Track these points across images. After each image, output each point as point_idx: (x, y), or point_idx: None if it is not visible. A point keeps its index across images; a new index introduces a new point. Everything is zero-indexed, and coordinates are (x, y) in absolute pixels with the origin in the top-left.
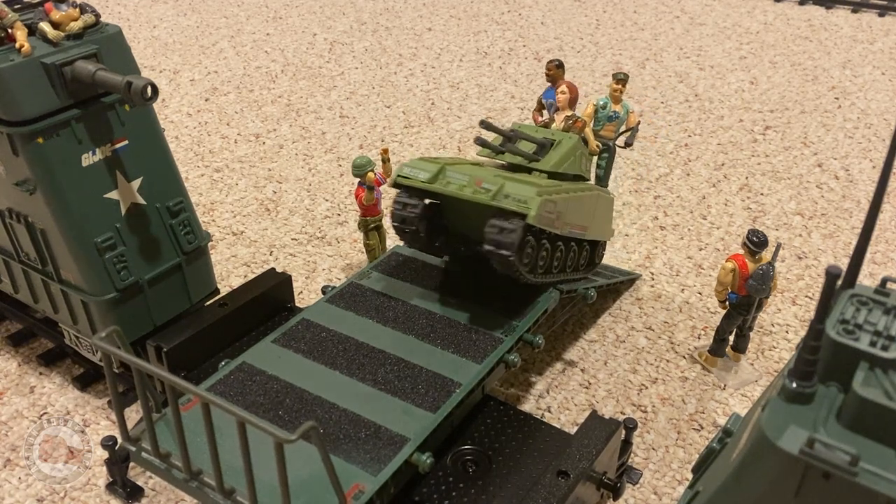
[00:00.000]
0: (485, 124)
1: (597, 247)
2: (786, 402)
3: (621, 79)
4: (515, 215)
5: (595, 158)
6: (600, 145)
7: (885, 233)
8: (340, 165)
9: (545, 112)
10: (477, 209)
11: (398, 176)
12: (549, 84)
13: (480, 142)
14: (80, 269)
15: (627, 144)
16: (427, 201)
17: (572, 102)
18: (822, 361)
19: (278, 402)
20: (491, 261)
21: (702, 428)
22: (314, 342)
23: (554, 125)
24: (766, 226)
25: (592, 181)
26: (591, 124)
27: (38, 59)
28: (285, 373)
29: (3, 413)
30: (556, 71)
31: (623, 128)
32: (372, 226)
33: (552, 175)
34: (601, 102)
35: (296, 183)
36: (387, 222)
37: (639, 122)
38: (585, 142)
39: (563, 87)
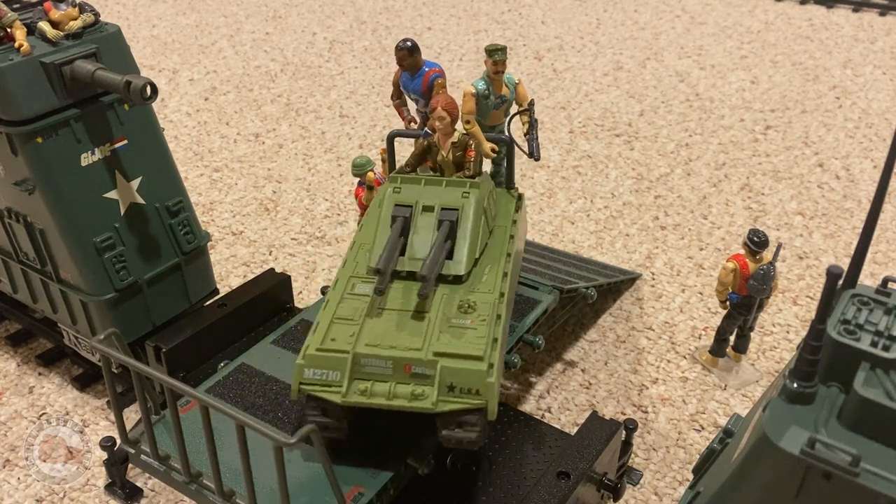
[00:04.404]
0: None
1: None
2: (787, 403)
3: (498, 58)
4: (471, 412)
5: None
6: (496, 148)
7: (885, 233)
8: (340, 165)
9: (410, 108)
10: None
11: (300, 384)
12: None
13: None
14: (78, 268)
15: (534, 157)
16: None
17: (455, 122)
18: (822, 362)
19: (277, 404)
20: None
21: (702, 428)
22: None
23: (440, 157)
24: (766, 226)
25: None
26: (474, 119)
27: (37, 59)
28: (285, 374)
29: (2, 413)
30: (409, 59)
31: (514, 108)
32: None
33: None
34: (481, 89)
35: (295, 183)
36: None
37: (532, 101)
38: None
39: (440, 111)
